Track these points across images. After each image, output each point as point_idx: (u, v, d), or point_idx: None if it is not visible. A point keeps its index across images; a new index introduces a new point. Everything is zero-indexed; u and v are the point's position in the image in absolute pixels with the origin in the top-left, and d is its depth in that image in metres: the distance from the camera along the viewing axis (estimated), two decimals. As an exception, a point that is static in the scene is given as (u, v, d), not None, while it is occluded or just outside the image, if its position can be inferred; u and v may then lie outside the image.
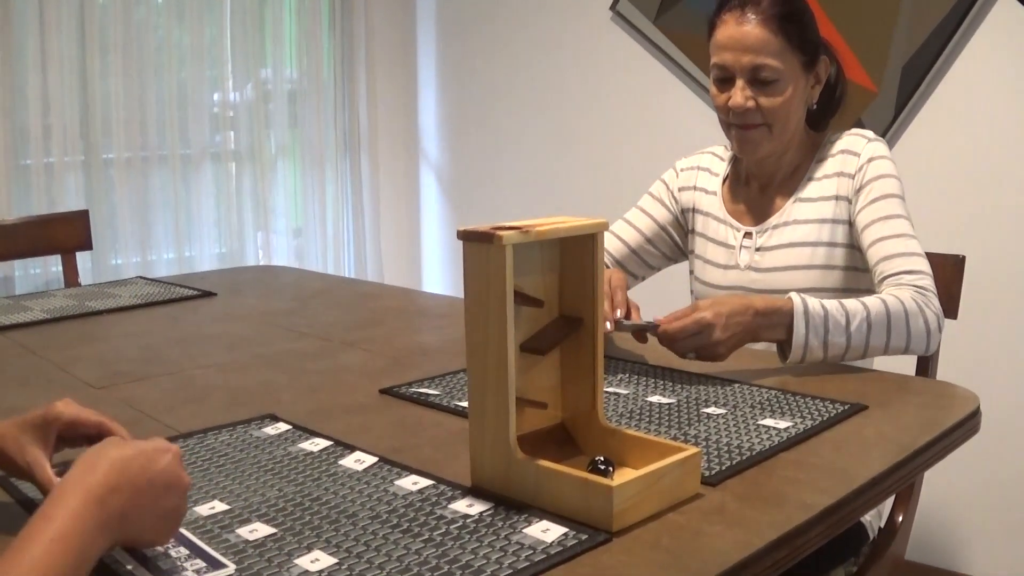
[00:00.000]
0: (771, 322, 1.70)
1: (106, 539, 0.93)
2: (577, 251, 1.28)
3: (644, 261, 2.26)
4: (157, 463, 1.00)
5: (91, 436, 1.20)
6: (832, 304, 1.72)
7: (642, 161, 3.68)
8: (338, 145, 4.43)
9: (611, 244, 2.24)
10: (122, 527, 0.95)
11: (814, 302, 1.71)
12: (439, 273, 4.72)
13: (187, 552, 1.06)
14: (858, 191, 1.96)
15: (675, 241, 2.25)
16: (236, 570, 1.03)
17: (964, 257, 2.09)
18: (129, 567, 1.02)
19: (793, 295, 1.72)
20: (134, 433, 1.21)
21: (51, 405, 1.18)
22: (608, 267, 2.22)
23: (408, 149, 4.72)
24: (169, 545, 1.07)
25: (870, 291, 2.02)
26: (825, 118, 2.11)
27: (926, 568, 3.21)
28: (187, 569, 1.02)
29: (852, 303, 1.73)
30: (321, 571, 1.02)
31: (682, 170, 2.24)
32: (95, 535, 0.90)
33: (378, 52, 4.51)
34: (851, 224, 1.98)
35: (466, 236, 1.17)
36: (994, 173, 2.97)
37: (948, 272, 2.07)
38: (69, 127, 3.56)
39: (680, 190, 2.22)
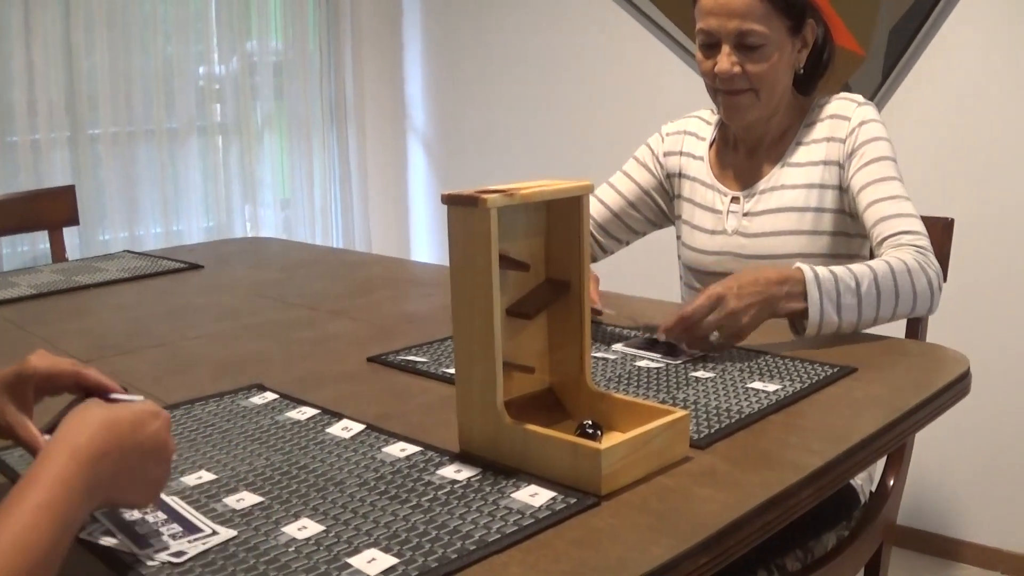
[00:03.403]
0: (786, 291, 1.65)
1: (92, 503, 0.91)
2: (563, 214, 1.27)
3: (628, 226, 2.25)
4: (146, 428, 0.99)
5: (69, 386, 1.19)
6: (839, 269, 1.70)
7: (629, 127, 3.66)
8: (324, 116, 4.41)
9: (594, 208, 2.23)
10: (107, 491, 0.94)
11: (821, 268, 1.69)
12: (427, 242, 4.71)
13: (164, 517, 1.06)
14: (850, 155, 1.95)
15: (659, 206, 2.24)
16: (214, 533, 1.03)
17: (953, 220, 2.08)
18: (114, 540, 1.02)
19: (800, 264, 1.70)
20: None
21: (25, 360, 1.15)
22: (592, 231, 2.22)
23: (395, 119, 4.70)
24: (148, 510, 1.07)
25: (858, 256, 2.02)
26: (813, 82, 2.09)
27: (918, 532, 3.23)
28: (163, 534, 1.03)
29: (857, 266, 1.72)
30: (309, 539, 1.02)
31: (668, 134, 2.23)
32: (81, 500, 0.88)
33: (364, 22, 4.49)
34: (842, 189, 1.97)
35: (450, 200, 1.17)
36: (982, 136, 2.97)
37: (937, 235, 2.06)
38: (55, 103, 3.53)
39: (666, 155, 2.21)
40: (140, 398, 1.17)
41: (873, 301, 1.70)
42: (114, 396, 1.18)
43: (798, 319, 1.70)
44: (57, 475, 0.87)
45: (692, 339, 1.64)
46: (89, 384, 1.19)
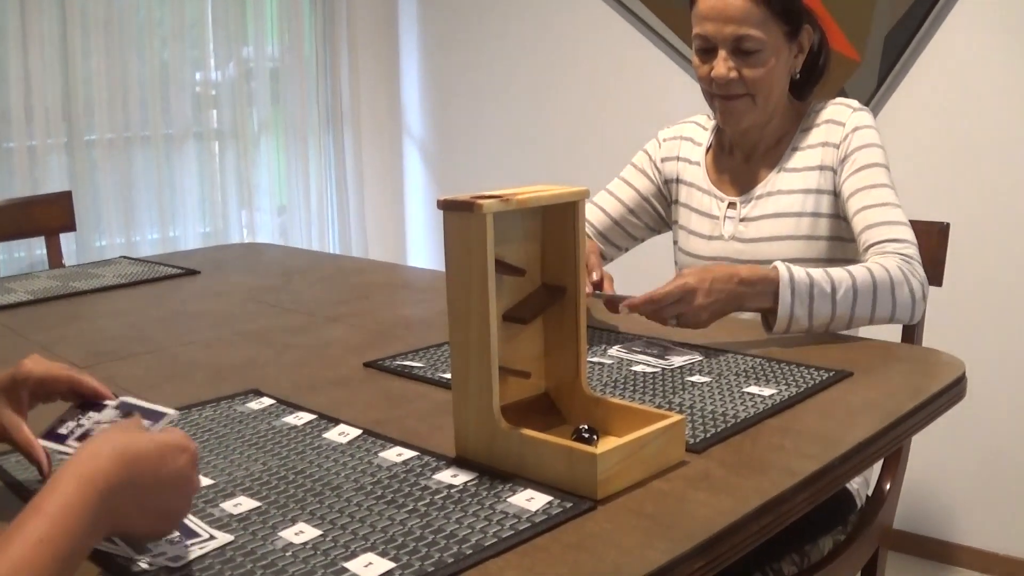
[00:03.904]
0: (756, 290, 1.69)
1: (100, 534, 0.88)
2: (558, 220, 1.27)
3: (627, 232, 2.25)
4: (169, 463, 0.95)
5: (64, 392, 1.19)
6: (817, 272, 1.71)
7: (625, 132, 3.66)
8: (321, 121, 4.41)
9: (593, 215, 2.24)
10: (117, 523, 0.90)
11: (799, 270, 1.71)
12: (424, 247, 4.71)
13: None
14: (843, 160, 1.96)
15: (658, 212, 2.24)
16: (212, 538, 1.03)
17: (948, 224, 2.09)
18: (111, 545, 1.02)
19: (778, 264, 1.72)
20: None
21: (20, 364, 1.15)
22: (589, 237, 2.22)
23: (391, 124, 4.70)
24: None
25: (854, 261, 2.02)
26: (808, 87, 2.10)
27: (914, 536, 3.23)
28: (160, 541, 1.02)
29: (838, 271, 1.73)
30: (306, 543, 1.02)
31: (665, 140, 2.23)
32: (87, 533, 0.84)
33: (360, 27, 4.49)
34: (836, 194, 1.98)
35: (446, 206, 1.17)
36: (977, 141, 2.97)
37: (932, 240, 2.07)
38: (51, 109, 3.53)
39: (663, 160, 2.21)
40: (168, 412, 1.17)
41: (848, 305, 1.71)
42: (105, 403, 1.18)
43: (770, 314, 1.72)
44: (63, 507, 0.83)
45: (652, 317, 1.68)
46: (84, 391, 1.19)
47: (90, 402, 1.20)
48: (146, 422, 1.11)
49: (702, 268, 1.70)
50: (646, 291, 1.67)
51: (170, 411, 1.15)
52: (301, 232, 4.34)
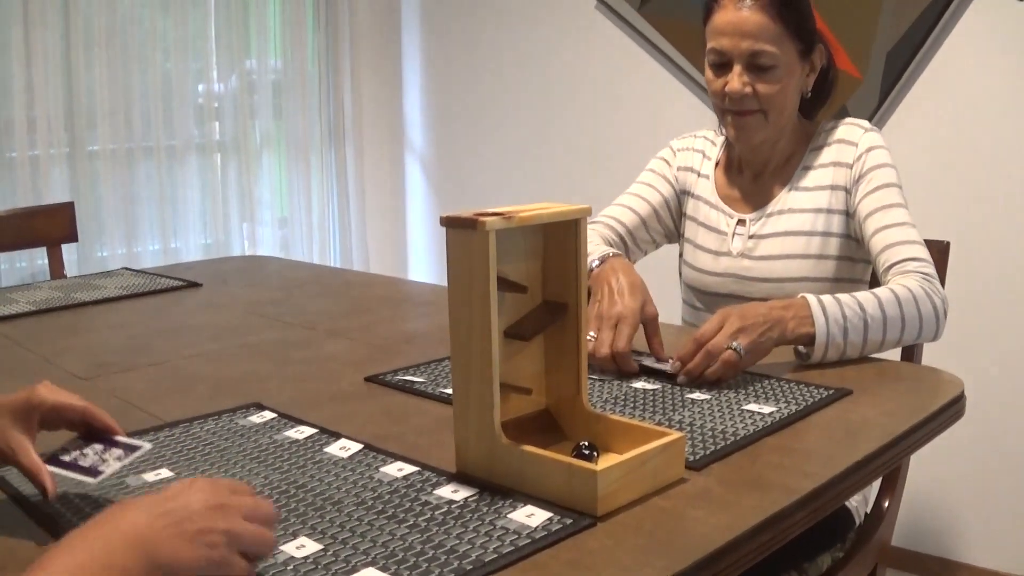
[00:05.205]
0: (792, 313, 1.65)
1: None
2: (560, 237, 1.28)
3: (650, 236, 2.23)
4: (178, 497, 0.91)
5: (74, 421, 1.19)
6: (844, 296, 1.71)
7: (627, 149, 3.68)
8: (323, 135, 4.42)
9: (622, 215, 2.20)
10: (148, 550, 0.86)
11: (825, 296, 1.69)
12: (425, 262, 4.72)
13: None
14: (857, 181, 1.96)
15: (673, 219, 2.23)
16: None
17: (948, 243, 2.10)
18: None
19: (803, 294, 1.70)
20: (120, 421, 1.21)
21: (33, 390, 1.16)
22: (615, 240, 2.18)
23: (393, 139, 4.71)
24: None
25: (861, 280, 2.03)
26: (816, 106, 2.11)
27: (912, 554, 3.23)
28: None
29: (863, 294, 1.72)
30: (307, 557, 1.02)
31: (678, 150, 2.23)
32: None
33: (363, 42, 4.50)
34: (848, 214, 1.98)
35: (449, 223, 1.17)
36: (978, 159, 2.98)
37: (933, 258, 2.06)
38: (54, 119, 3.53)
39: (678, 169, 2.21)
40: (148, 446, 1.18)
41: (878, 327, 1.70)
42: (117, 439, 1.19)
43: (803, 344, 1.70)
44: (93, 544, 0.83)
45: (709, 361, 1.60)
46: (96, 423, 1.20)
47: (95, 433, 1.21)
48: (117, 451, 1.16)
49: (732, 307, 1.67)
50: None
51: (144, 444, 1.18)
52: (302, 245, 4.35)
